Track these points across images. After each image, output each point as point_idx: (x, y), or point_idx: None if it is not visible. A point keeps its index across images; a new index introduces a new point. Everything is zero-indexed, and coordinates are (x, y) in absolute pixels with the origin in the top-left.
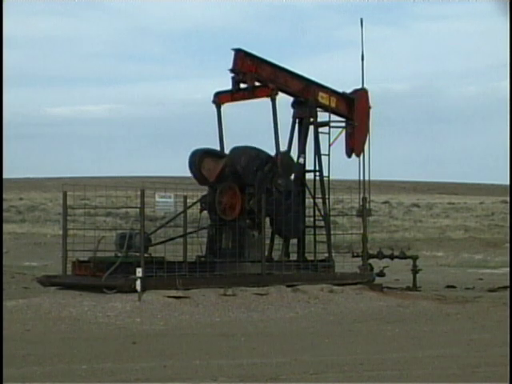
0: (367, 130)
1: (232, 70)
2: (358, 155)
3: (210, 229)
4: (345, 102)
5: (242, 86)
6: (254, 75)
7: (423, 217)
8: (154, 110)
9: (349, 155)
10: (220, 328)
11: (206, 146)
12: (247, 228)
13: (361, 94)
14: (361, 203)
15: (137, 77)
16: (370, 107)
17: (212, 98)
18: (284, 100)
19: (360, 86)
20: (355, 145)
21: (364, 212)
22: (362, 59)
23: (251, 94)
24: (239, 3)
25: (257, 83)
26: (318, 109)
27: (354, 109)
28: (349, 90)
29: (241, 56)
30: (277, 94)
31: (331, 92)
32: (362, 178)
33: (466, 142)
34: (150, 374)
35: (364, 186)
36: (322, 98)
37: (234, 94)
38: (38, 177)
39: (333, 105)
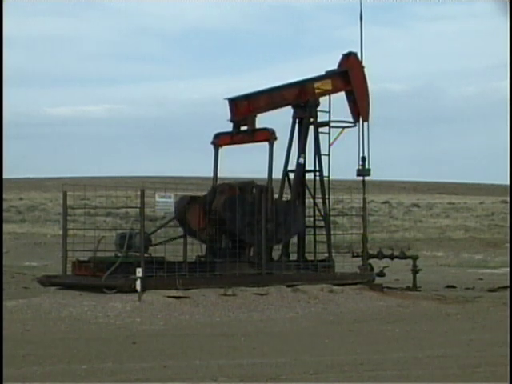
0: (367, 92)
1: (232, 120)
2: (365, 120)
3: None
4: (340, 78)
5: (243, 128)
6: (253, 114)
7: (423, 217)
8: (154, 109)
9: (357, 121)
10: (220, 328)
11: (204, 145)
12: None
13: (351, 61)
14: (360, 163)
15: (137, 77)
16: (363, 67)
17: (212, 139)
18: None
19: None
20: (361, 110)
21: (363, 172)
22: (361, 19)
23: (251, 136)
24: (239, 3)
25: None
26: (320, 98)
27: (350, 79)
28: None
29: (236, 103)
30: (276, 139)
31: (324, 77)
32: (361, 140)
33: (466, 142)
34: (150, 374)
35: (363, 149)
36: (319, 88)
37: (233, 137)
38: (37, 177)
39: (330, 87)
